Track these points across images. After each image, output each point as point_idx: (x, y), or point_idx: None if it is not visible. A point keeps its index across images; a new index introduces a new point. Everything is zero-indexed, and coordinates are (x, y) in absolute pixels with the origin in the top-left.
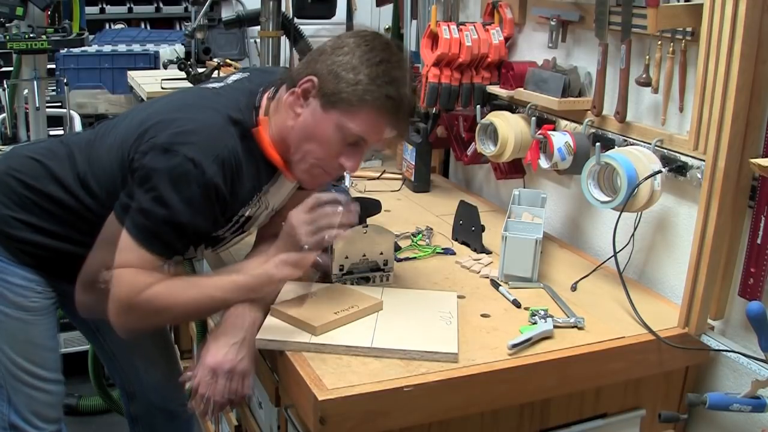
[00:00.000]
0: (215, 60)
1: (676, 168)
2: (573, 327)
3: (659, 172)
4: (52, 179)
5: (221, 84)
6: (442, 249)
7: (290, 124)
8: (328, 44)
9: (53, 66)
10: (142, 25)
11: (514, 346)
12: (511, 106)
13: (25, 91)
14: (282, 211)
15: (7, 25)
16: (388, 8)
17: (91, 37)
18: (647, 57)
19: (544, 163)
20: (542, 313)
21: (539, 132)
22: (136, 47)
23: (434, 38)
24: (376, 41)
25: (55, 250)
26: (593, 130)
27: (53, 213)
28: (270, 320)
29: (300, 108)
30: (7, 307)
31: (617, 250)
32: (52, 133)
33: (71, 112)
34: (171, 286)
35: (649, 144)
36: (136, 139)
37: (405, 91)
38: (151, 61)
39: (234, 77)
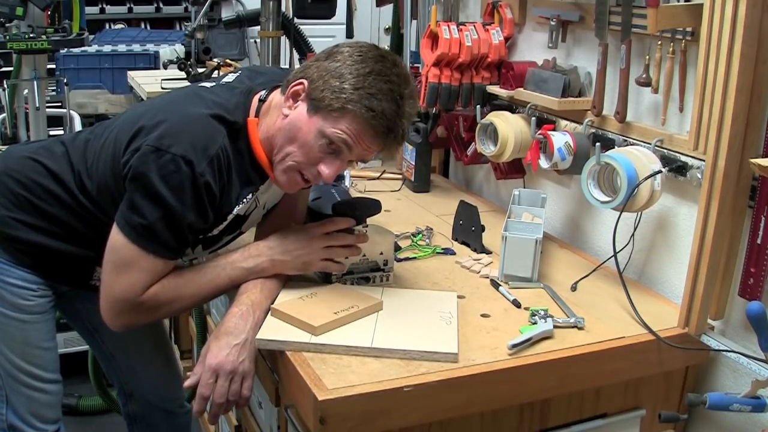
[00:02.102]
0: (215, 60)
1: (676, 168)
2: (573, 327)
3: (659, 172)
4: (50, 175)
5: (213, 84)
6: (442, 249)
7: (277, 125)
8: (325, 51)
9: (53, 66)
10: (142, 25)
11: (514, 346)
12: (511, 106)
13: (25, 91)
14: (274, 209)
15: (7, 25)
16: (388, 8)
17: (91, 37)
18: (647, 57)
19: (544, 163)
20: (542, 313)
21: (539, 132)
22: (136, 47)
23: (434, 38)
24: (371, 52)
25: (52, 249)
26: (593, 130)
27: (50, 212)
28: (270, 320)
29: (288, 109)
30: (5, 308)
31: (617, 250)
32: (52, 133)
33: (71, 112)
34: (169, 284)
35: (649, 144)
36: (127, 138)
37: (390, 105)
38: (151, 61)
39: (227, 78)
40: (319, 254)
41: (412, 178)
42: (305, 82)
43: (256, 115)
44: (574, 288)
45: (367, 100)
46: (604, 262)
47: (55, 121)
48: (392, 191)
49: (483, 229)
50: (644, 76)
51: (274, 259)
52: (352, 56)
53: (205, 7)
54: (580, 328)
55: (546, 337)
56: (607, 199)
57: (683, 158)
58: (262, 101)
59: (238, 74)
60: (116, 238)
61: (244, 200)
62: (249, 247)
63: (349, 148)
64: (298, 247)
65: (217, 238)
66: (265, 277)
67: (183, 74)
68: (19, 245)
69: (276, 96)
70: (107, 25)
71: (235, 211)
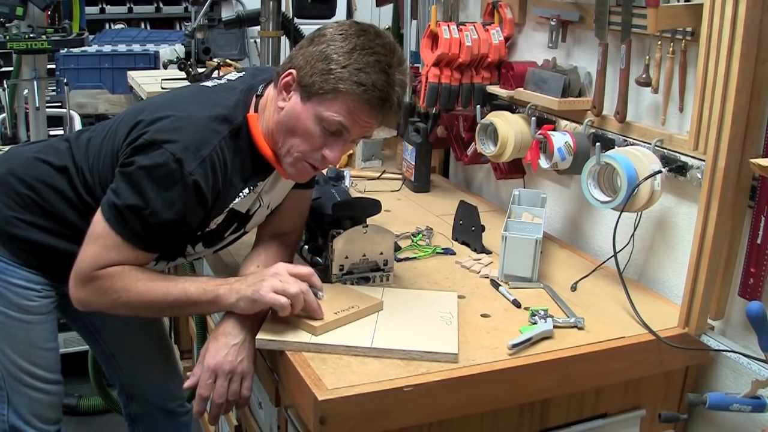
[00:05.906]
0: (215, 60)
1: (676, 168)
2: (573, 327)
3: (659, 172)
4: (57, 173)
5: (216, 83)
6: (442, 249)
7: (275, 119)
8: (308, 36)
9: (53, 66)
10: (142, 25)
11: (514, 346)
12: (511, 106)
13: (25, 91)
14: (279, 209)
15: (7, 25)
16: (388, 8)
17: (91, 37)
18: (647, 57)
19: (544, 163)
20: (542, 313)
21: (539, 132)
22: (136, 47)
23: (434, 38)
24: (352, 28)
25: (57, 249)
26: (593, 130)
27: (55, 212)
28: (270, 320)
29: (283, 102)
30: (9, 309)
31: (617, 250)
32: (52, 133)
33: (71, 112)
34: (127, 273)
35: (649, 144)
36: (126, 132)
37: (380, 76)
38: (151, 61)
39: (230, 76)
40: (271, 282)
41: (412, 178)
42: (293, 71)
43: (255, 110)
44: (574, 288)
45: (355, 76)
46: (604, 262)
47: (55, 121)
48: (392, 191)
49: (483, 229)
50: (644, 76)
51: (232, 286)
52: (334, 37)
53: (205, 7)
54: (580, 328)
55: (546, 337)
56: (607, 199)
57: (683, 158)
58: (259, 96)
59: (241, 74)
60: (96, 213)
61: (241, 194)
62: (221, 277)
63: (347, 129)
64: (257, 276)
65: (218, 236)
66: None
67: (183, 74)
68: (24, 245)
69: (270, 90)
70: (107, 25)
71: (232, 205)
